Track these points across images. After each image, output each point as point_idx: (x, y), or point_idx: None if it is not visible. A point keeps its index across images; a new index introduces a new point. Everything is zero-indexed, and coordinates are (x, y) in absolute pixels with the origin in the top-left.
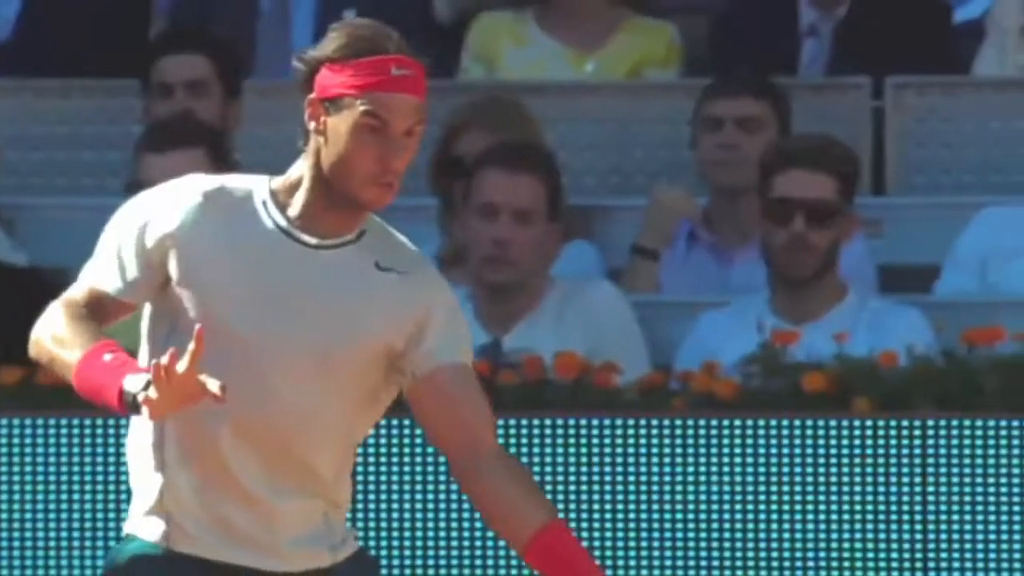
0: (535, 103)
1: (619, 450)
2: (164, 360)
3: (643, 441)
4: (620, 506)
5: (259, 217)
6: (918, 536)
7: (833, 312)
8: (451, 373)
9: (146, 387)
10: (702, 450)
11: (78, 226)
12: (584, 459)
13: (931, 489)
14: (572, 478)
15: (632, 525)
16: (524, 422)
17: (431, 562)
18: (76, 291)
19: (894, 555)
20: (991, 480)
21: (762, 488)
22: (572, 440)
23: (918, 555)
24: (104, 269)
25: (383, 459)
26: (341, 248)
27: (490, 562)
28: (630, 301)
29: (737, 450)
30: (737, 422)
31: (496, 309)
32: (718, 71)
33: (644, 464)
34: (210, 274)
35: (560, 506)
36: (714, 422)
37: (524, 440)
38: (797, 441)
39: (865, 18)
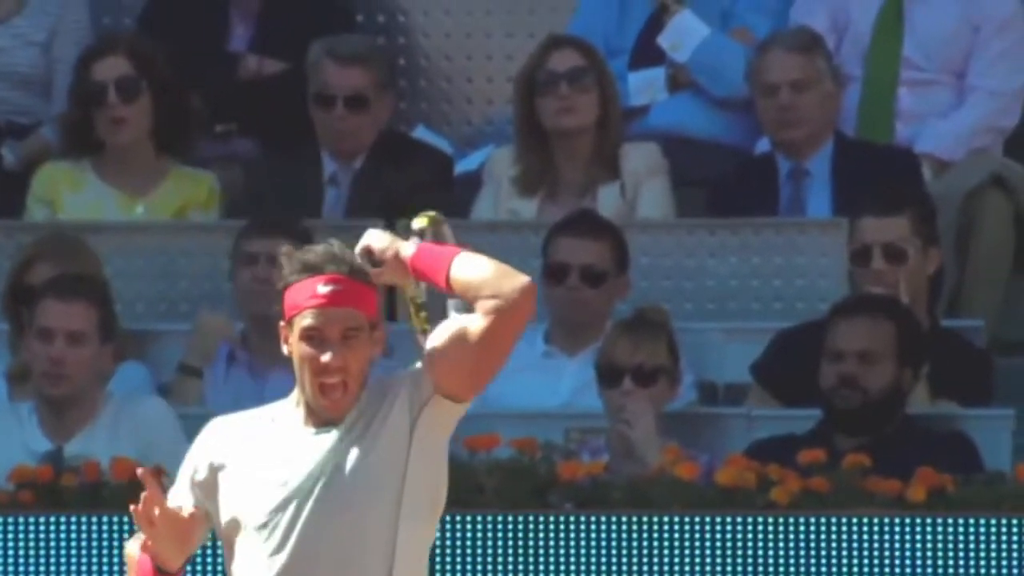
0: (93, 240)
1: None
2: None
3: None
4: None
5: (271, 425)
6: None
7: None
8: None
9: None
10: None
11: None
12: None
13: None
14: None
15: None
16: (84, 518)
17: None
18: None
19: None
20: (489, 570)
21: None
22: (127, 535)
23: None
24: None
25: None
26: (347, 423)
27: None
28: (177, 413)
29: None
30: None
31: (58, 420)
32: (253, 213)
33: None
34: (238, 480)
35: None
36: None
37: (85, 535)
38: None
39: (378, 170)
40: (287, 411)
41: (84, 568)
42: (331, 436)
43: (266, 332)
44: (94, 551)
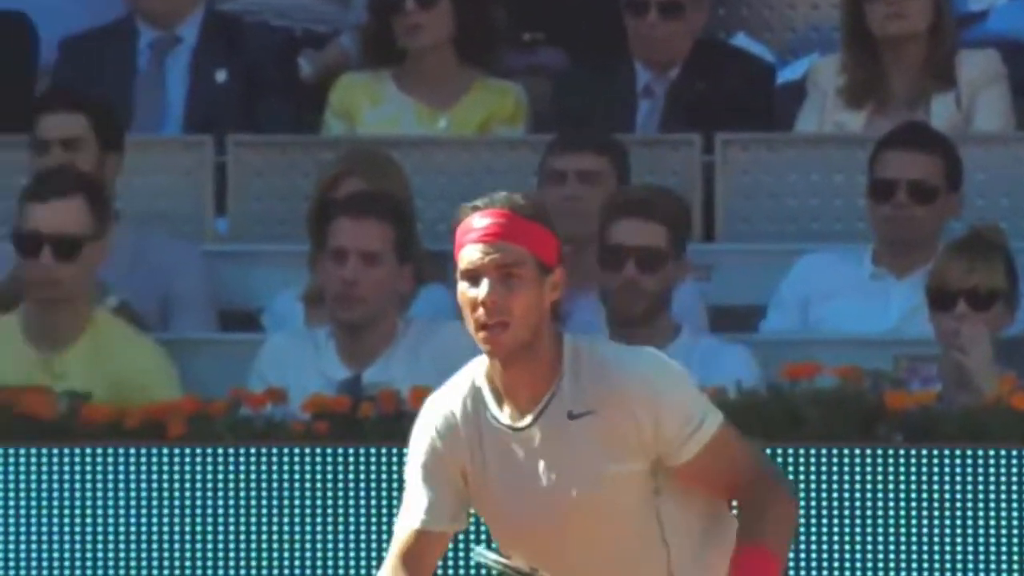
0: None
1: None
2: None
3: None
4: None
5: (478, 415)
6: None
7: (667, 349)
8: (696, 464)
9: None
10: None
11: None
12: None
13: None
14: None
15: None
16: (384, 451)
17: None
18: (396, 540)
19: None
20: (812, 504)
21: None
22: None
23: None
24: (408, 509)
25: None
26: (539, 419)
27: None
28: None
29: None
30: None
31: (355, 346)
32: (561, 128)
33: None
34: (474, 489)
35: None
36: None
37: (384, 468)
38: None
39: (695, 80)
40: (484, 387)
41: (384, 502)
42: (534, 435)
43: (576, 255)
44: (394, 485)
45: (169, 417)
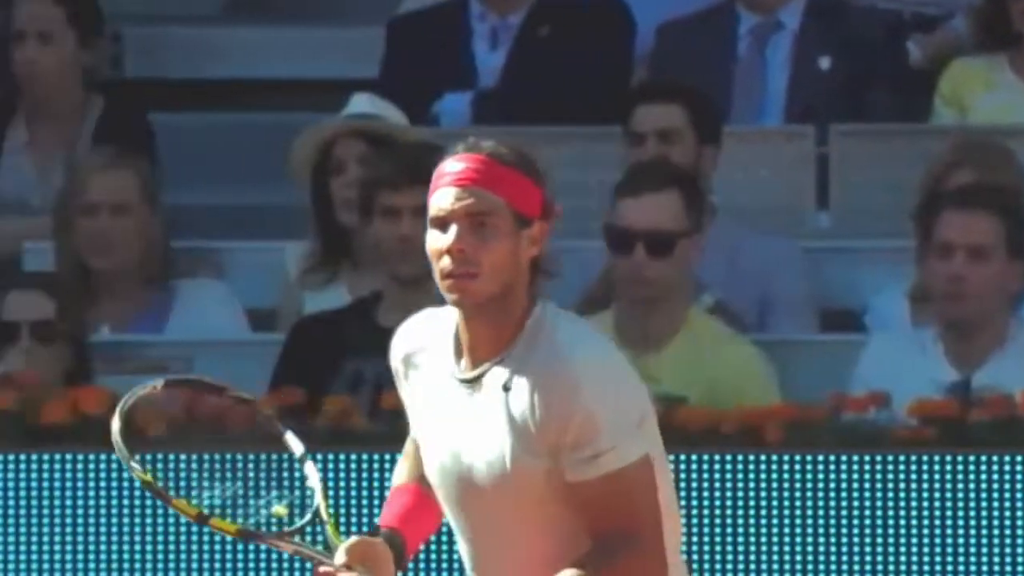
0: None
1: None
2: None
3: None
4: None
5: (442, 354)
6: None
7: None
8: (580, 489)
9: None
10: None
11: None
12: None
13: None
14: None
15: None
16: (995, 458)
17: None
18: (407, 446)
19: None
20: None
21: None
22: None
23: None
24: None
25: None
26: (485, 377)
27: None
28: None
29: None
30: None
31: (963, 347)
32: None
33: None
34: (416, 420)
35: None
36: None
37: (995, 477)
38: None
39: None
40: (450, 331)
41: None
42: (471, 392)
43: None
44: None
45: (766, 422)
